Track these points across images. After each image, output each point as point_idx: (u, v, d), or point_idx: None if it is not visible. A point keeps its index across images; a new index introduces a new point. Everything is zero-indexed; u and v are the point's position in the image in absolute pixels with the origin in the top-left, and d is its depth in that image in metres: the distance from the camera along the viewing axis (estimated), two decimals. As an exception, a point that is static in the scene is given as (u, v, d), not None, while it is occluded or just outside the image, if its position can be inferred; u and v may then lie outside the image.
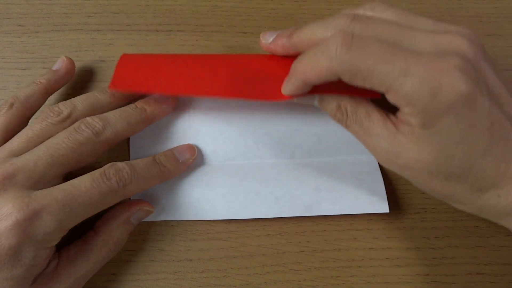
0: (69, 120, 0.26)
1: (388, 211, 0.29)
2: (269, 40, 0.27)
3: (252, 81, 0.27)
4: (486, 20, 0.33)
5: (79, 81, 0.31)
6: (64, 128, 0.25)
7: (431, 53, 0.21)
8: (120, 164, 0.25)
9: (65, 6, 0.33)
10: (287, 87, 0.25)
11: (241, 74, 0.27)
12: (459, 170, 0.22)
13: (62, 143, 0.24)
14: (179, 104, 0.30)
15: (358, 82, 0.22)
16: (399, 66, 0.21)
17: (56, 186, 0.23)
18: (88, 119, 0.26)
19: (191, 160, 0.29)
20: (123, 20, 0.33)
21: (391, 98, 0.22)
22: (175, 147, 0.29)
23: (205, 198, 0.29)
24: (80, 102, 0.27)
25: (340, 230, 0.29)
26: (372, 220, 0.30)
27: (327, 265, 0.29)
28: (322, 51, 0.22)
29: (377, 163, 0.30)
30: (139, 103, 0.28)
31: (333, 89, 0.24)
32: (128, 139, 0.30)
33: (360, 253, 0.29)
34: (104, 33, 0.32)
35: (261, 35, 0.27)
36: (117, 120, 0.26)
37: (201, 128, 0.30)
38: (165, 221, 0.29)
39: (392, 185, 0.30)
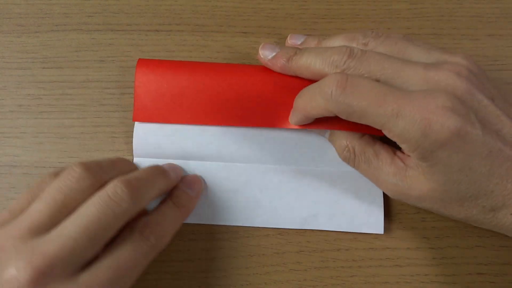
0: (96, 187, 0.23)
1: (382, 232, 0.29)
2: (268, 57, 0.27)
3: (266, 109, 0.28)
4: (486, 20, 0.33)
5: (78, 81, 0.31)
6: (90, 194, 0.23)
7: (422, 92, 0.22)
8: (152, 220, 0.25)
9: (65, 6, 0.33)
10: (292, 119, 0.27)
11: (256, 101, 0.28)
12: (468, 195, 0.23)
13: (98, 219, 0.22)
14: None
15: (355, 120, 0.23)
16: (391, 108, 0.22)
17: (101, 265, 0.22)
18: (123, 183, 0.23)
19: (201, 191, 0.29)
20: (123, 20, 0.33)
21: (386, 135, 0.23)
22: (184, 181, 0.28)
23: (207, 202, 0.29)
24: (108, 166, 0.24)
25: (340, 230, 0.29)
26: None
27: (327, 265, 0.29)
28: (319, 92, 0.23)
29: None
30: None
31: (340, 120, 0.25)
32: (131, 135, 0.30)
33: (360, 253, 0.29)
34: (104, 33, 0.32)
35: (260, 48, 0.28)
36: (152, 180, 0.25)
37: (206, 128, 0.30)
38: (165, 221, 0.29)
39: (392, 185, 0.30)
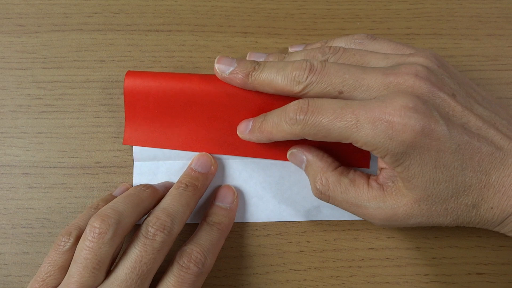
0: (120, 232, 0.24)
1: None
2: (225, 72, 0.27)
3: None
4: (486, 20, 0.33)
5: (78, 81, 0.31)
6: (118, 241, 0.24)
7: (380, 98, 0.23)
8: (188, 248, 0.25)
9: (65, 6, 0.33)
10: (253, 136, 0.27)
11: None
12: (449, 194, 0.23)
13: (142, 258, 0.23)
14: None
15: (321, 139, 0.24)
16: (349, 119, 0.23)
17: None
18: (155, 220, 0.24)
19: (236, 201, 0.29)
20: (123, 20, 0.33)
21: (356, 145, 0.24)
22: (216, 196, 0.28)
23: (209, 201, 0.29)
24: (123, 206, 0.24)
25: (340, 230, 0.29)
26: (372, 220, 0.30)
27: (327, 265, 0.29)
28: (284, 118, 0.25)
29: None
30: (188, 182, 0.27)
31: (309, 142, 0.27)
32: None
33: (360, 253, 0.29)
34: (104, 33, 0.32)
35: (215, 62, 0.27)
36: (178, 208, 0.25)
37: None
38: (165, 221, 0.29)
39: (392, 185, 0.30)
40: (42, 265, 0.24)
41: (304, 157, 0.27)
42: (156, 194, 0.26)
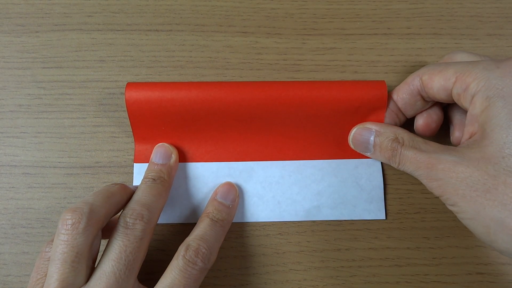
0: (94, 223, 0.23)
1: (384, 218, 0.29)
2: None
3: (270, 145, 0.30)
4: (486, 20, 0.33)
5: (78, 81, 0.31)
6: (93, 232, 0.23)
7: None
8: (193, 243, 0.25)
9: (65, 6, 0.33)
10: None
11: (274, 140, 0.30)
12: None
13: (127, 248, 0.23)
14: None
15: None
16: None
17: None
18: (131, 211, 0.24)
19: (237, 199, 0.29)
20: (123, 20, 0.33)
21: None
22: (218, 192, 0.29)
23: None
24: (96, 200, 0.24)
25: (340, 230, 0.29)
26: (372, 220, 0.30)
27: (327, 265, 0.29)
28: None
29: (380, 167, 0.30)
30: (154, 176, 0.27)
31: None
32: (131, 135, 0.30)
33: (360, 253, 0.29)
34: (104, 33, 0.32)
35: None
36: (151, 198, 0.26)
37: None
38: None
39: (393, 185, 0.30)
40: (31, 275, 0.24)
41: (372, 127, 0.28)
42: (126, 189, 0.26)
